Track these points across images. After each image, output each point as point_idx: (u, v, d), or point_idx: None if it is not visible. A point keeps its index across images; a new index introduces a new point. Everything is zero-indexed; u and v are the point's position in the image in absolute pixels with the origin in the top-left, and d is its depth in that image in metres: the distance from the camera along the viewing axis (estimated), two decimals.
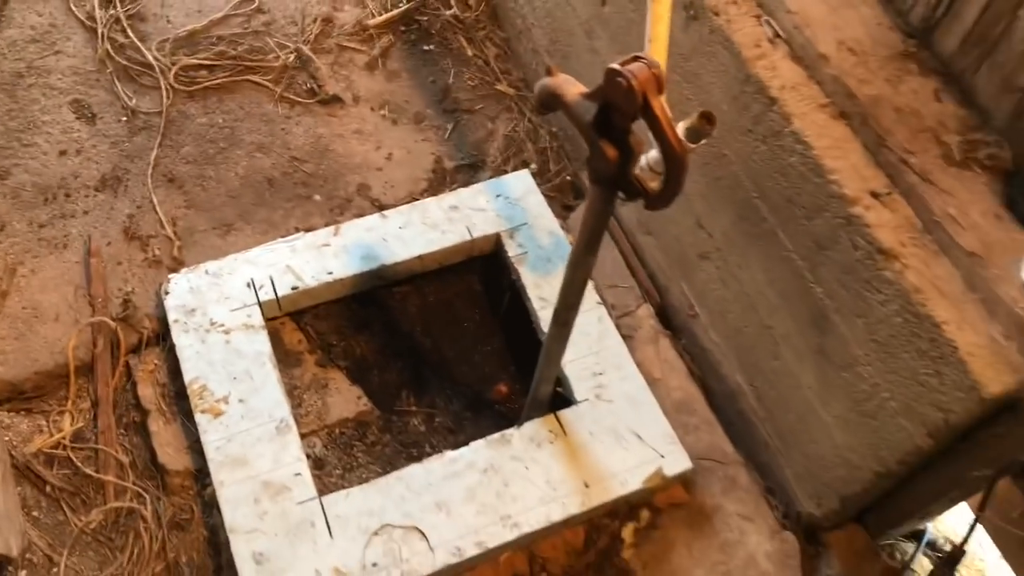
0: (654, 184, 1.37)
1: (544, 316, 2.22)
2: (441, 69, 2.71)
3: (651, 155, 1.62)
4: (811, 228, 1.72)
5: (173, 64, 2.56)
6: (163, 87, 2.53)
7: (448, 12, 2.77)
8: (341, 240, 2.31)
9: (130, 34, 2.59)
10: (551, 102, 1.42)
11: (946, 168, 1.59)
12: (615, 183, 1.40)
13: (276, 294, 2.21)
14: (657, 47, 1.61)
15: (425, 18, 2.76)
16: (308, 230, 2.36)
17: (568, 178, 2.56)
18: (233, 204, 2.41)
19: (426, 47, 2.74)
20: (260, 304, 2.20)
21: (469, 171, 2.57)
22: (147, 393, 2.13)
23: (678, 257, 2.21)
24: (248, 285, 2.21)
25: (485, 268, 2.47)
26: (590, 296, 2.26)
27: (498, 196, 2.41)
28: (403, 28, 2.75)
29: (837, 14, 1.74)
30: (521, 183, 2.44)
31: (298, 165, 2.49)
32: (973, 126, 1.63)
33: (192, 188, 2.41)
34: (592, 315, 2.23)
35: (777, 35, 1.77)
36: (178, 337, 2.14)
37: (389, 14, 2.74)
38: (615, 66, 1.25)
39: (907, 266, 1.54)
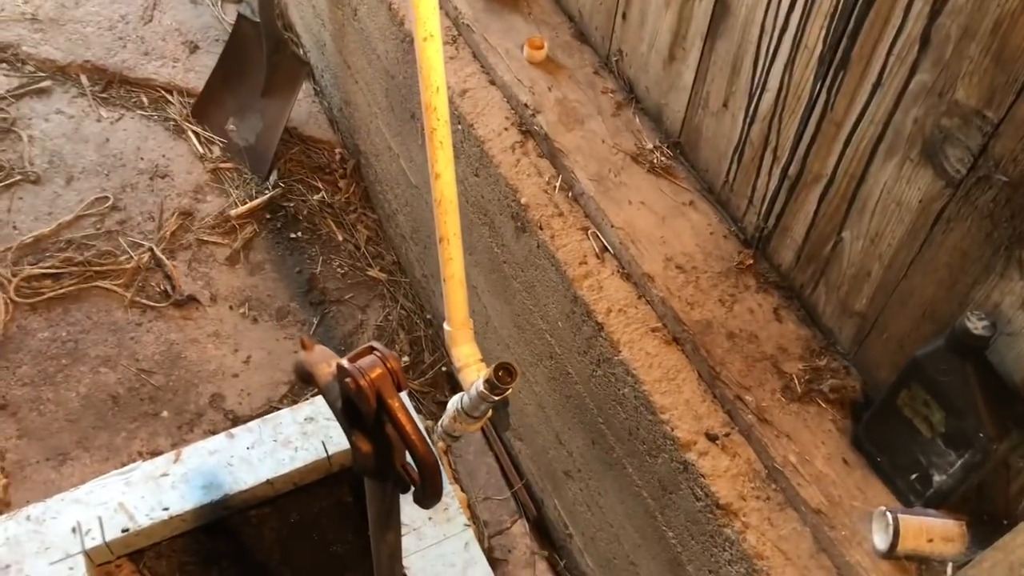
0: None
1: (407, 543, 1.99)
2: (308, 257, 2.56)
3: (471, 393, 1.44)
4: (655, 467, 1.52)
5: (15, 276, 2.40)
6: (2, 302, 2.36)
7: (316, 197, 2.64)
8: (181, 468, 2.10)
9: None
10: (309, 380, 1.24)
11: (786, 405, 1.40)
12: (380, 476, 1.20)
13: (104, 538, 1.99)
14: (452, 289, 1.45)
15: (292, 204, 2.63)
16: (153, 453, 2.16)
17: (444, 369, 2.38)
18: (71, 429, 2.21)
19: (293, 235, 2.59)
20: (86, 552, 1.97)
21: None
22: None
23: (547, 470, 2.01)
24: (73, 530, 1.99)
25: (356, 477, 2.25)
26: (456, 519, 2.04)
27: None
28: (268, 216, 2.61)
29: (666, 225, 1.59)
30: None
31: (146, 378, 2.30)
32: (817, 350, 1.46)
33: (27, 414, 2.22)
34: (458, 541, 2.00)
35: (605, 249, 1.62)
36: None
37: (253, 202, 2.61)
38: (343, 362, 1.08)
39: (748, 525, 1.34)
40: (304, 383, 1.28)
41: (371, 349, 1.08)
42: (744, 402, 1.40)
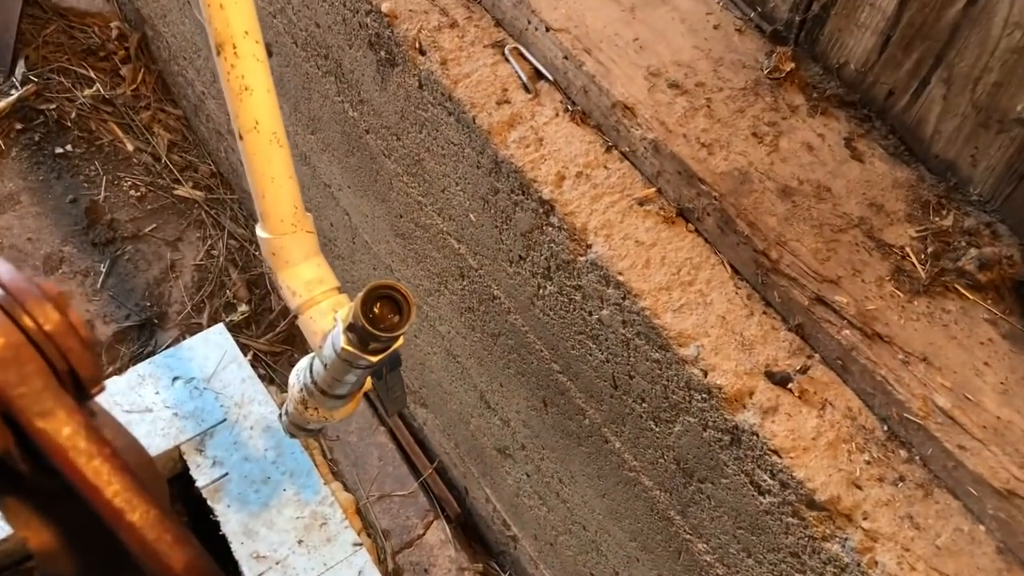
0: None
1: None
2: (86, 179, 1.77)
3: (326, 353, 0.76)
4: (666, 439, 0.88)
5: None
6: None
7: (88, 92, 1.83)
8: None
9: None
10: None
11: (908, 303, 0.77)
12: None
13: None
14: (258, 149, 0.74)
15: (53, 105, 1.82)
16: None
17: None
18: None
19: (59, 149, 1.79)
20: None
21: (141, 336, 1.64)
22: None
23: (469, 447, 1.34)
24: None
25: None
26: (340, 537, 1.36)
27: (176, 379, 1.49)
28: (19, 126, 1.80)
29: (639, 20, 0.92)
30: (214, 349, 1.52)
31: None
32: (933, 201, 0.83)
33: None
34: (346, 570, 1.33)
35: (538, 75, 0.93)
36: None
37: None
38: None
39: (875, 535, 0.71)
40: None
41: None
42: (831, 307, 0.76)
